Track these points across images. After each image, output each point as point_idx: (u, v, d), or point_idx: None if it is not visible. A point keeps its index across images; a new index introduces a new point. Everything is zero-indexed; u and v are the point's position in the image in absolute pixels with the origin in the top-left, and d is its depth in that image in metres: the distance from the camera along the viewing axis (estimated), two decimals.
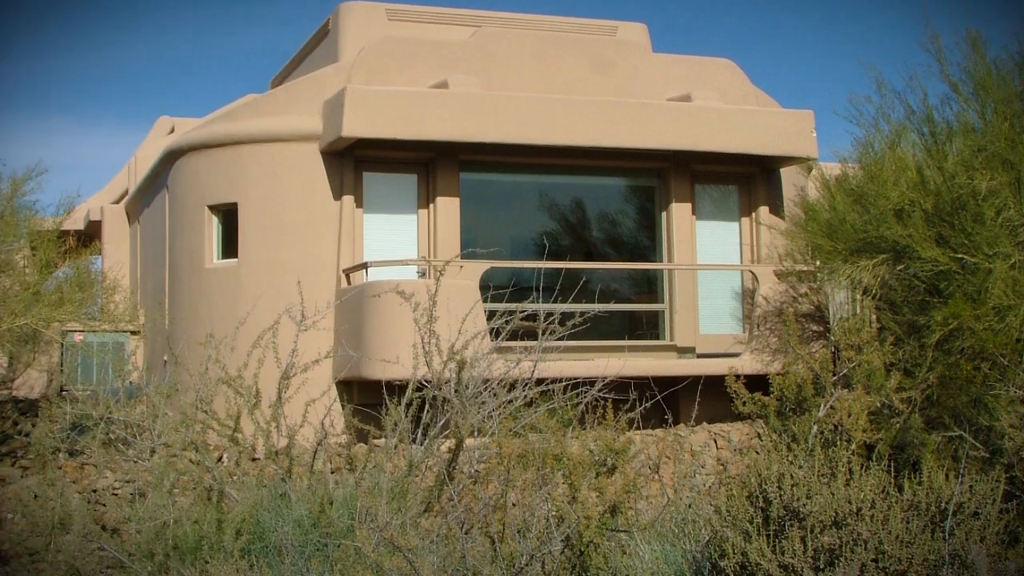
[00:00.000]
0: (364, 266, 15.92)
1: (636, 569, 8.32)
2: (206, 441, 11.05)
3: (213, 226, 17.34)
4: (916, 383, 12.57)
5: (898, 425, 12.28)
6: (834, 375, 12.12)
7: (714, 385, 12.72)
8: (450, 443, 10.19)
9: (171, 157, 18.19)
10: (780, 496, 7.84)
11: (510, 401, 10.56)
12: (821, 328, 15.75)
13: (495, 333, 11.20)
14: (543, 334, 10.89)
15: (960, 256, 13.04)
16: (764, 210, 18.28)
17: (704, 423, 15.46)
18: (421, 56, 17.19)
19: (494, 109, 16.41)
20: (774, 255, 17.05)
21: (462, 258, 14.93)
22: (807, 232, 15.46)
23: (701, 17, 55.03)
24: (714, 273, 18.12)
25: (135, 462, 11.53)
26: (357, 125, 15.75)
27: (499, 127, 16.37)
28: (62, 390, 16.91)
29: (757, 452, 13.40)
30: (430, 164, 16.86)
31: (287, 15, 58.36)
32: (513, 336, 11.03)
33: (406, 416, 10.40)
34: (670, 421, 14.40)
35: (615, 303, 16.94)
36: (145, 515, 9.92)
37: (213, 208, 17.31)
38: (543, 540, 8.40)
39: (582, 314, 11.12)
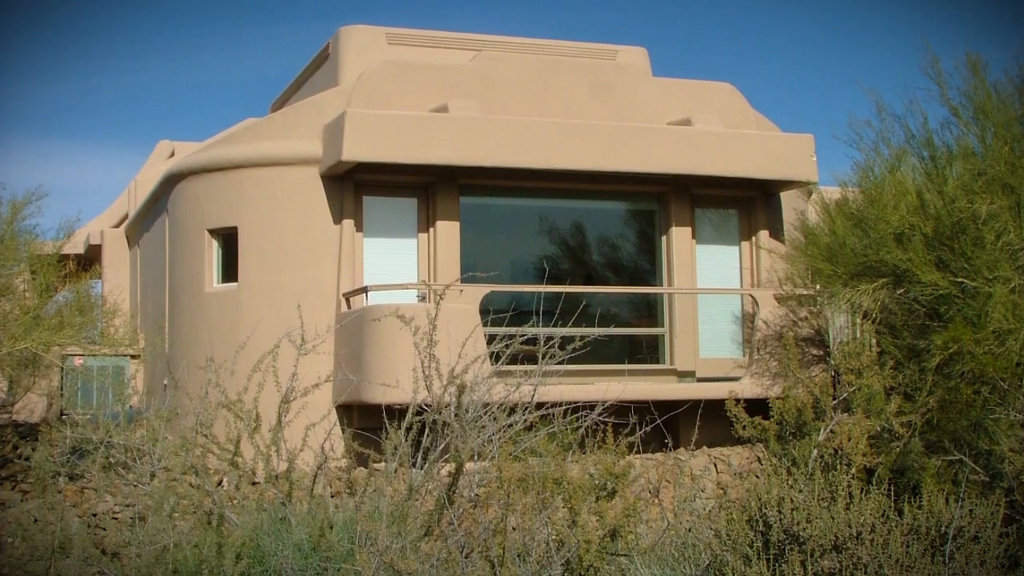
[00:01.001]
0: (364, 290, 15.92)
1: None
2: (206, 465, 11.03)
3: (213, 250, 17.35)
4: (916, 407, 12.57)
5: (898, 449, 12.27)
6: (834, 399, 12.12)
7: (714, 409, 12.72)
8: (450, 467, 10.17)
9: (171, 181, 18.22)
10: (780, 520, 7.83)
11: (510, 425, 10.55)
12: (821, 352, 15.75)
13: (495, 357, 11.19)
14: (543, 358, 10.89)
15: (960, 280, 13.05)
16: (764, 234, 18.30)
17: (704, 447, 15.44)
18: (421, 80, 17.23)
19: (494, 133, 16.44)
20: (774, 279, 17.06)
21: (462, 282, 14.93)
22: (807, 256, 15.47)
23: (701, 41, 55.19)
24: (714, 297, 18.11)
25: (135, 486, 11.51)
26: (357, 149, 15.78)
27: (499, 151, 16.40)
28: (62, 414, 16.89)
29: (757, 476, 13.39)
30: (430, 188, 16.89)
31: (287, 39, 58.51)
32: (513, 360, 11.02)
33: (406, 440, 10.39)
34: (670, 445, 14.37)
35: (615, 327, 16.94)
36: (145, 539, 9.90)
37: (213, 232, 17.33)
38: (543, 564, 8.38)
39: (582, 338, 11.12)
